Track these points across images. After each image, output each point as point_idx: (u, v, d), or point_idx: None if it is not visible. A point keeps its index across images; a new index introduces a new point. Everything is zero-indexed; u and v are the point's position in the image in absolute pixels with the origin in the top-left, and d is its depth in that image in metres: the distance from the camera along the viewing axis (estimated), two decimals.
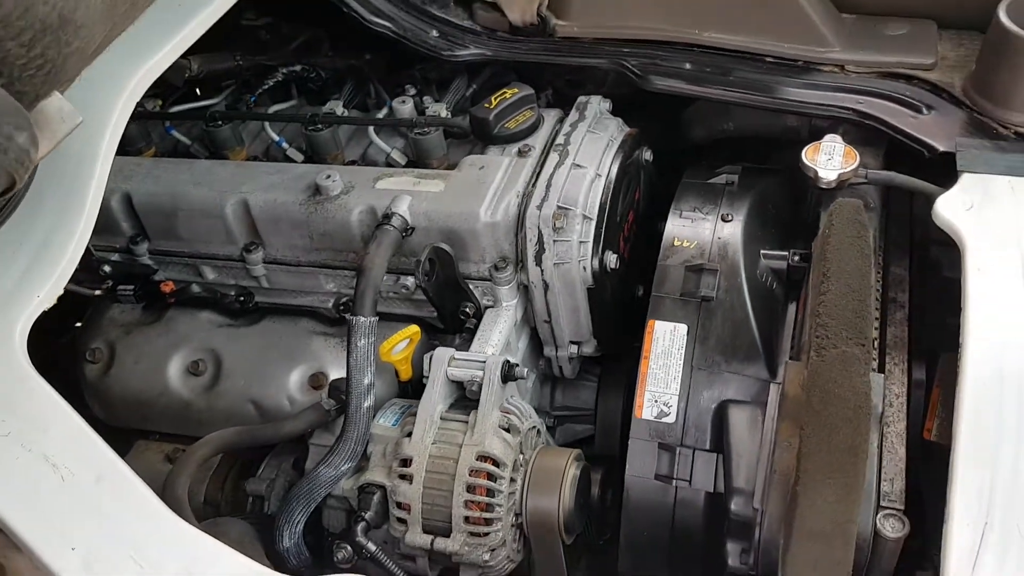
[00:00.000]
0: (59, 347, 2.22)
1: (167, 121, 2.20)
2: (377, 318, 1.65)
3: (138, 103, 2.20)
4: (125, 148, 2.17)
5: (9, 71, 1.12)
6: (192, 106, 2.20)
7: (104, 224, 1.99)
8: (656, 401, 1.63)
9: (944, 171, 1.64)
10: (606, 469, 1.86)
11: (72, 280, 2.20)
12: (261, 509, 1.86)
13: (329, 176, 1.85)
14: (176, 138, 2.19)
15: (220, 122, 2.09)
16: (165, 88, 2.24)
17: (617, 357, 2.06)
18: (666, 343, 1.66)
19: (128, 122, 2.13)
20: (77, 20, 1.19)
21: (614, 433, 2.05)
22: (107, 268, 2.03)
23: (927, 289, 1.83)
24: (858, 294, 1.41)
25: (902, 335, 1.71)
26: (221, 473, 1.96)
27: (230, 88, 2.27)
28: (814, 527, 1.26)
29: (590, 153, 1.86)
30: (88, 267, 2.06)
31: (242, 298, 1.98)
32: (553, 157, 1.86)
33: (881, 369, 1.65)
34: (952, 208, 1.53)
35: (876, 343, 1.68)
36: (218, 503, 1.95)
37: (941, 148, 1.67)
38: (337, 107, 2.10)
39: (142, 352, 1.99)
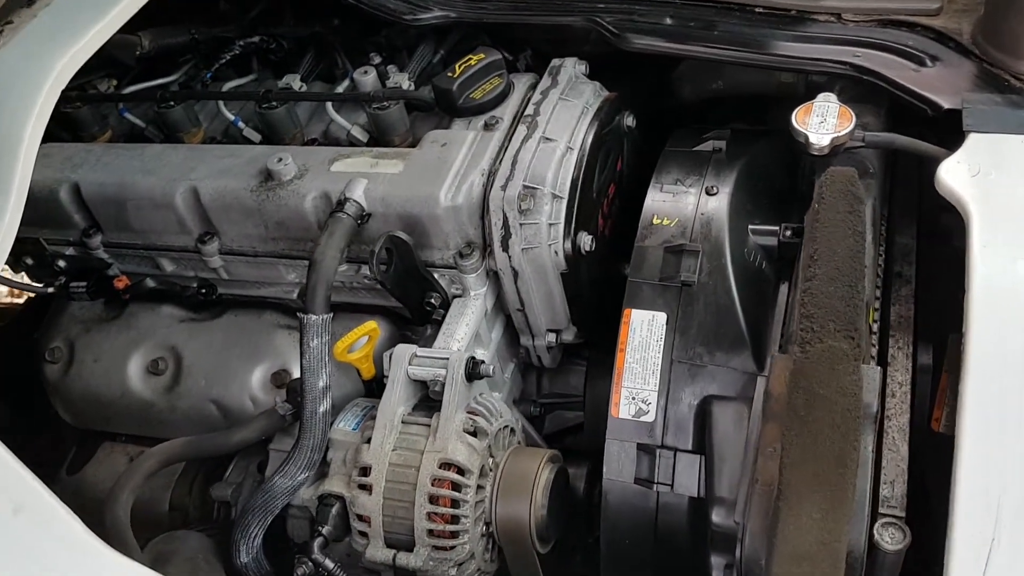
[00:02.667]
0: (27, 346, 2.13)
1: (121, 103, 2.06)
2: (331, 315, 1.54)
3: (90, 84, 2.09)
4: (78, 133, 2.04)
5: None
6: (143, 86, 2.05)
7: (55, 217, 1.88)
8: (633, 398, 1.49)
9: (952, 131, 1.47)
10: (592, 464, 1.74)
11: (30, 276, 2.10)
12: (227, 516, 1.77)
13: (281, 159, 1.71)
14: (131, 121, 2.05)
15: (171, 103, 1.94)
16: (120, 68, 2.10)
17: (605, 340, 1.91)
18: (643, 334, 1.51)
19: (80, 106, 2.03)
20: None
21: (605, 421, 1.91)
22: (61, 263, 1.93)
23: (936, 261, 1.66)
24: (848, 279, 1.26)
25: (907, 314, 1.55)
26: (188, 476, 1.88)
27: (187, 65, 2.13)
28: (798, 548, 1.12)
29: (561, 124, 1.70)
30: (43, 263, 1.96)
31: (204, 290, 1.87)
32: (521, 130, 1.69)
33: (883, 354, 1.50)
34: (956, 174, 1.36)
35: (878, 326, 1.52)
36: (186, 508, 1.86)
37: (946, 105, 1.48)
38: (294, 81, 1.94)
39: (101, 350, 1.90)
